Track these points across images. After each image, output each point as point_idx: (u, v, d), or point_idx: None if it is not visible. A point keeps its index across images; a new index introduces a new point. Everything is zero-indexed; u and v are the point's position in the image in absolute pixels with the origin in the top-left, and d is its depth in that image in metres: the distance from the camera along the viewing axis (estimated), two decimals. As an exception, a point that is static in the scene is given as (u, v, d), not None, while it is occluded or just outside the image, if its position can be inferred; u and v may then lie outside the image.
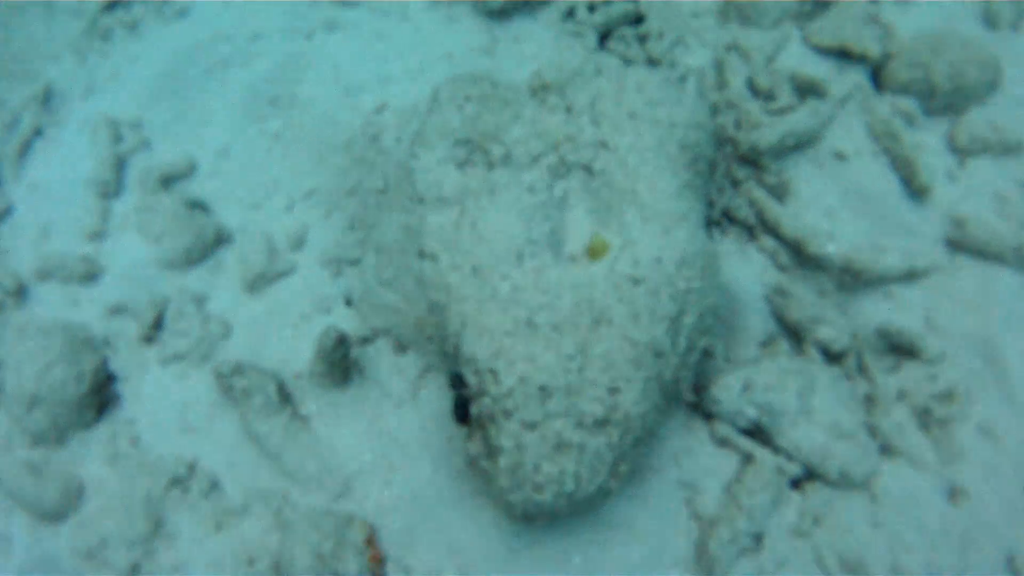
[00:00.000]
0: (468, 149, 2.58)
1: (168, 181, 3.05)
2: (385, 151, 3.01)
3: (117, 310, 2.88)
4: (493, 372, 2.32)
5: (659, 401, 2.40)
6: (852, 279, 2.79)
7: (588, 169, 2.53)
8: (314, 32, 3.38)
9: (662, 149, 2.55)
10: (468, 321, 2.37)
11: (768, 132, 2.88)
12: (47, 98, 3.36)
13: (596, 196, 2.51)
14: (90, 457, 2.77)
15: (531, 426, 2.29)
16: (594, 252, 2.41)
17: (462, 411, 2.37)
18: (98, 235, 3.03)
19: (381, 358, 2.65)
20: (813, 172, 2.96)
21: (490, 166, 2.55)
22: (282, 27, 3.40)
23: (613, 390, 2.30)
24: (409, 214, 2.59)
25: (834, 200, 2.93)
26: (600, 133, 2.58)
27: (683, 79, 2.88)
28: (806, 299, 2.72)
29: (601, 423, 2.29)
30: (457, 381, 2.39)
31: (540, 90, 2.84)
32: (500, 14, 3.28)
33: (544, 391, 2.29)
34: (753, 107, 3.01)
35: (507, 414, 2.30)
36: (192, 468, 2.68)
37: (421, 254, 2.51)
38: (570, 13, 3.31)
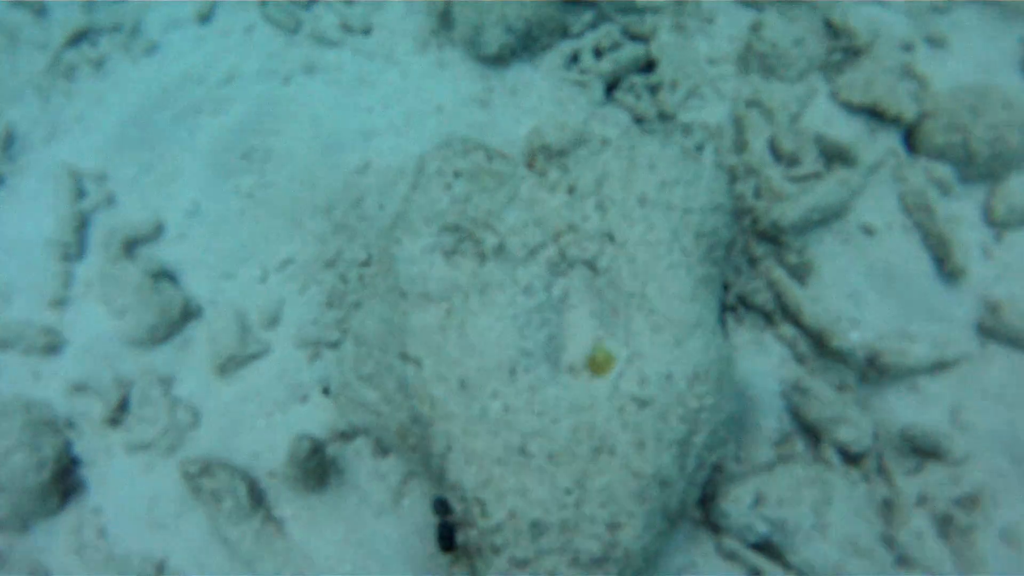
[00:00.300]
0: (457, 237, 2.18)
1: (133, 245, 2.65)
2: (367, 218, 2.59)
3: (80, 388, 2.53)
4: (481, 503, 1.97)
5: (663, 528, 2.07)
6: (877, 374, 2.42)
7: (592, 266, 2.14)
8: (292, 75, 2.91)
9: (676, 242, 2.15)
10: (454, 443, 2.01)
11: (791, 208, 2.47)
12: (9, 142, 2.93)
13: (600, 297, 2.12)
14: (56, 546, 2.47)
15: (521, 564, 1.96)
16: (597, 365, 2.04)
17: (447, 541, 2.03)
18: (60, 303, 2.65)
19: (361, 460, 2.30)
20: (838, 248, 2.56)
21: (481, 258, 2.16)
22: (257, 68, 2.93)
23: (613, 526, 1.95)
24: (391, 307, 2.20)
25: (860, 280, 2.53)
26: (606, 222, 2.17)
27: (699, 147, 2.45)
28: (826, 397, 2.36)
29: (599, 561, 1.95)
30: (441, 507, 2.05)
31: (540, 152, 2.42)
32: (496, 60, 2.81)
33: (537, 527, 1.94)
34: (775, 173, 2.59)
35: (496, 549, 1.96)
36: (160, 568, 2.36)
37: (403, 356, 2.14)
38: (574, 58, 2.84)
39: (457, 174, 2.27)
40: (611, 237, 2.16)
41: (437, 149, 2.38)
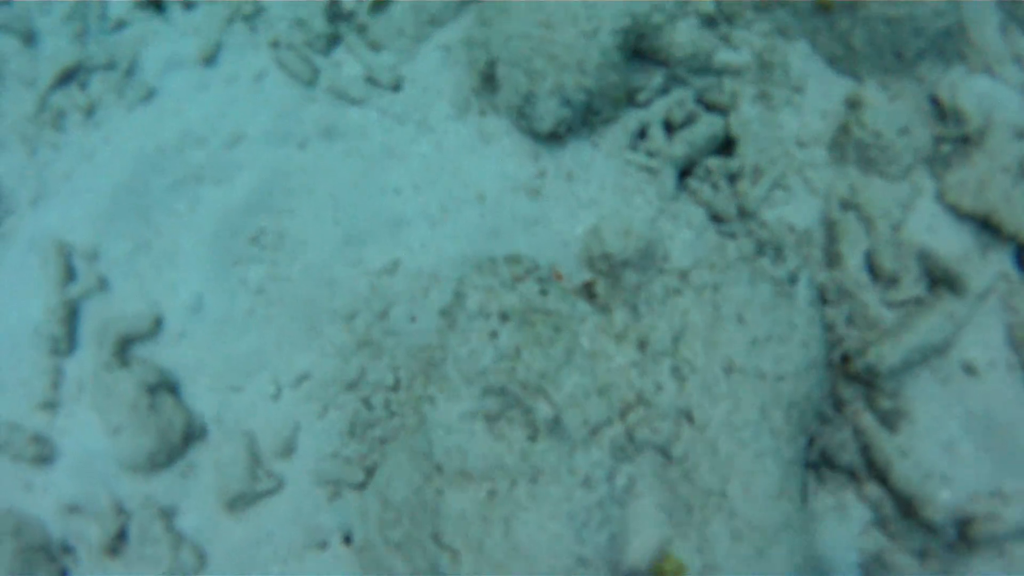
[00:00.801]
0: (503, 402, 1.69)
1: (128, 343, 2.16)
2: (395, 333, 2.09)
3: (74, 509, 2.12)
4: None
5: None
6: (965, 546, 1.98)
7: (664, 452, 1.66)
8: (308, 140, 2.32)
9: (765, 422, 1.66)
10: (495, 663, 1.61)
11: (891, 351, 1.96)
12: (-6, 201, 2.40)
13: (672, 490, 1.66)
14: None
15: None
16: (665, 580, 1.61)
17: None
18: (50, 405, 2.20)
19: (386, 631, 1.91)
20: (936, 389, 2.07)
21: (532, 431, 1.68)
22: (267, 128, 2.33)
23: None
24: (424, 478, 1.75)
25: (956, 428, 2.05)
26: (684, 396, 1.68)
27: (793, 279, 1.92)
28: (908, 574, 1.93)
29: None
30: None
31: (600, 262, 1.90)
32: (550, 137, 2.22)
33: None
34: (871, 298, 2.06)
35: None
36: None
37: (437, 540, 1.70)
38: (641, 134, 2.25)
39: (504, 317, 1.76)
40: (689, 416, 1.67)
41: (479, 272, 1.85)
